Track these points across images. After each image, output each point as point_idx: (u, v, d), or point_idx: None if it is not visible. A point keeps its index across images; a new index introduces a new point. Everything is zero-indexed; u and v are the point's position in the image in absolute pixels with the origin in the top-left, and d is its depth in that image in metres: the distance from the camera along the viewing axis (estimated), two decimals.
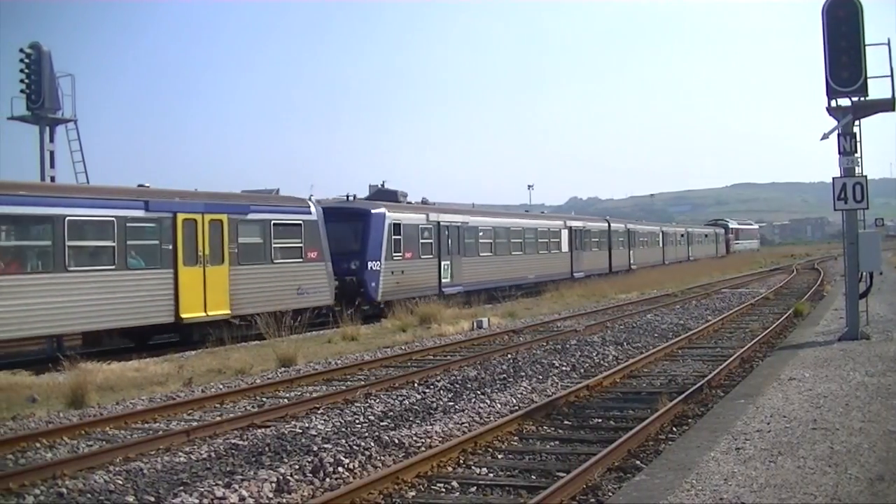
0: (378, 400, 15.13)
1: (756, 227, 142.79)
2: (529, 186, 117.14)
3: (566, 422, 13.08)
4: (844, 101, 18.72)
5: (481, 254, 41.10)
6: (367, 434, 12.07)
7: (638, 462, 10.32)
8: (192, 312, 24.50)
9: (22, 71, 35.70)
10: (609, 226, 60.21)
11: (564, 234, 51.18)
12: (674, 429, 12.21)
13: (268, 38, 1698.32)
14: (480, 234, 41.20)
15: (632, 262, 64.29)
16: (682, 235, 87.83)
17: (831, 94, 18.62)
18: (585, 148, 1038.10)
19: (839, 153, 18.70)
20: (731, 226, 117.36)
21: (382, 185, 40.68)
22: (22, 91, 35.94)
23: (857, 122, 18.94)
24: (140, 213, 23.73)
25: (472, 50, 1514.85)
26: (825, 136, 18.91)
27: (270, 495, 9.24)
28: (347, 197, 35.51)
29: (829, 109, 18.79)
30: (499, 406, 14.14)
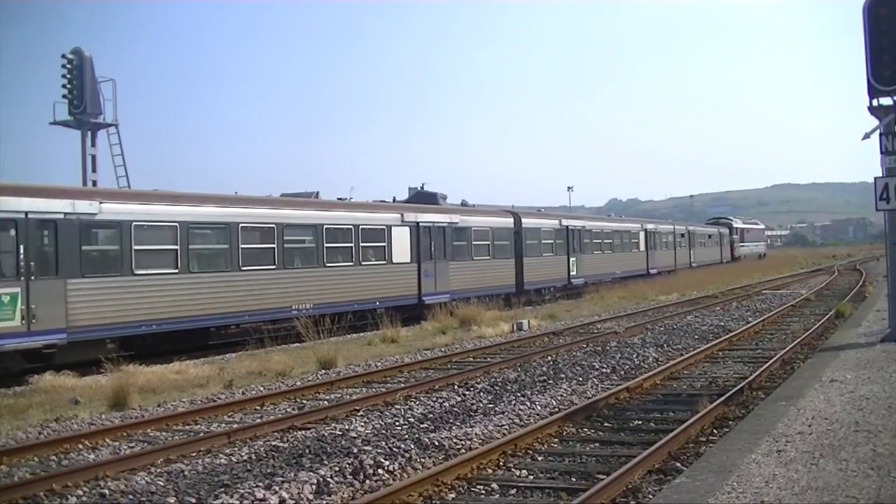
0: (418, 402, 15.16)
1: (762, 227, 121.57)
2: (569, 188, 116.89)
3: (606, 424, 13.04)
4: (886, 101, 18.54)
5: (156, 270, 23.13)
6: (407, 436, 12.10)
7: (678, 464, 10.27)
8: None
9: (64, 76, 36.22)
10: (518, 222, 41.36)
11: (401, 233, 32.63)
12: (714, 431, 12.14)
13: (302, 42, 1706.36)
14: (151, 234, 23.43)
15: (572, 273, 46.24)
16: (682, 235, 69.01)
17: (873, 93, 18.46)
18: (626, 149, 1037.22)
19: (881, 153, 18.50)
20: (735, 225, 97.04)
21: (422, 188, 40.64)
22: (64, 96, 36.52)
23: None
24: None
25: (512, 51, 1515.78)
26: (867, 136, 18.76)
27: (311, 497, 9.28)
28: None
29: (871, 109, 18.63)
30: (539, 408, 14.13)
